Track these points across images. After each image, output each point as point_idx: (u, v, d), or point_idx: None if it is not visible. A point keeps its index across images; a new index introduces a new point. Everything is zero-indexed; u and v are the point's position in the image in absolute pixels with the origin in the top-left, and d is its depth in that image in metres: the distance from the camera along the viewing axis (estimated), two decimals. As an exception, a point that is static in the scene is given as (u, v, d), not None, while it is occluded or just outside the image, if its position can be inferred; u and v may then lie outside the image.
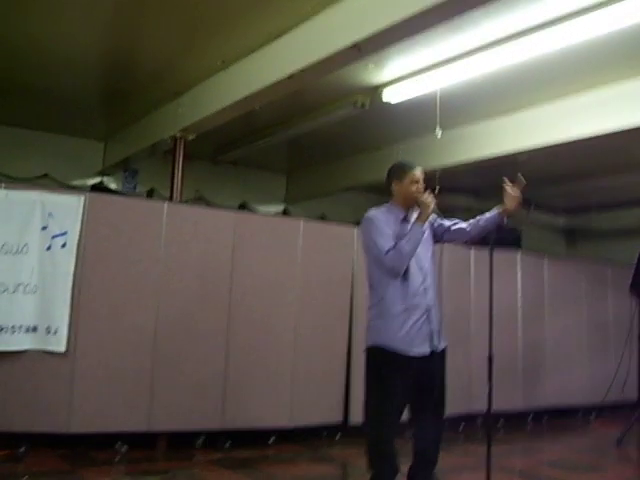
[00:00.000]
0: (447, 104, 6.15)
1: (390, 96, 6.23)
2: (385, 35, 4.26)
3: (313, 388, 6.03)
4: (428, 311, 3.61)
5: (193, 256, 5.63)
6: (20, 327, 4.91)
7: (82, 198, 5.25)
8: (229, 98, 5.87)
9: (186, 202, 7.53)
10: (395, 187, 3.74)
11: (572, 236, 11.98)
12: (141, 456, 5.27)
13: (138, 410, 5.27)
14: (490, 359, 4.08)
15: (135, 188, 9.06)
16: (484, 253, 6.48)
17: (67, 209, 5.15)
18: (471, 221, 3.85)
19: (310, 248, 6.19)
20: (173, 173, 6.97)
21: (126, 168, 8.85)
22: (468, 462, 5.54)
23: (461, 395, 6.47)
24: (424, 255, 3.69)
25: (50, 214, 5.09)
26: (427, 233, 3.70)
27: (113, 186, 8.96)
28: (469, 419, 6.92)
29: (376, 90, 6.23)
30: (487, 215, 3.81)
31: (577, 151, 7.07)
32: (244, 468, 5.17)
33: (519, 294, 7.77)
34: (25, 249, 4.98)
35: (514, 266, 7.83)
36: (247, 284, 5.83)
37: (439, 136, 6.15)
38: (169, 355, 5.43)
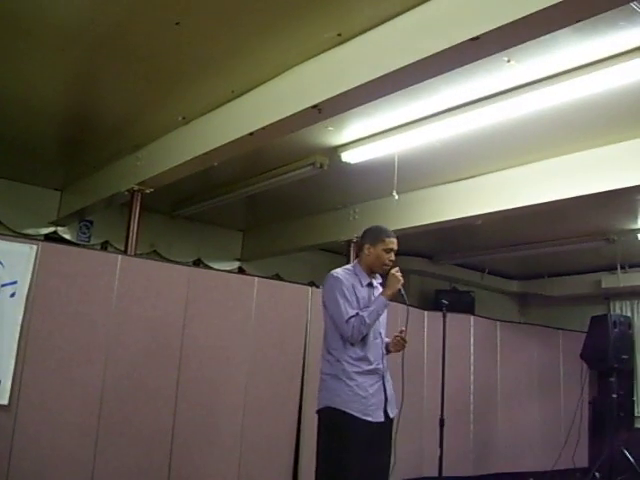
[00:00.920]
0: (405, 167, 6.26)
1: (349, 157, 6.30)
2: (345, 98, 4.34)
3: (263, 449, 5.89)
4: (383, 377, 3.60)
5: (145, 310, 5.51)
6: (-39, 377, 4.72)
7: (34, 247, 5.12)
8: (188, 153, 5.86)
9: (141, 255, 7.43)
10: (366, 250, 3.72)
11: (525, 300, 12.14)
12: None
13: (81, 467, 5.04)
14: (442, 422, 4.08)
15: (89, 239, 8.91)
16: (438, 315, 6.54)
17: (18, 257, 5.01)
18: None
19: (264, 306, 6.11)
20: (129, 226, 6.88)
21: (81, 219, 8.72)
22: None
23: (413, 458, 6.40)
24: (382, 322, 3.70)
25: (0, 262, 4.97)
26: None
27: (67, 236, 8.78)
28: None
29: (335, 151, 6.30)
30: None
31: (530, 217, 7.22)
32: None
33: (471, 358, 7.80)
34: (-28, 297, 4.83)
35: (467, 330, 7.89)
36: (199, 341, 5.71)
37: (396, 199, 6.22)
38: (116, 411, 5.24)
